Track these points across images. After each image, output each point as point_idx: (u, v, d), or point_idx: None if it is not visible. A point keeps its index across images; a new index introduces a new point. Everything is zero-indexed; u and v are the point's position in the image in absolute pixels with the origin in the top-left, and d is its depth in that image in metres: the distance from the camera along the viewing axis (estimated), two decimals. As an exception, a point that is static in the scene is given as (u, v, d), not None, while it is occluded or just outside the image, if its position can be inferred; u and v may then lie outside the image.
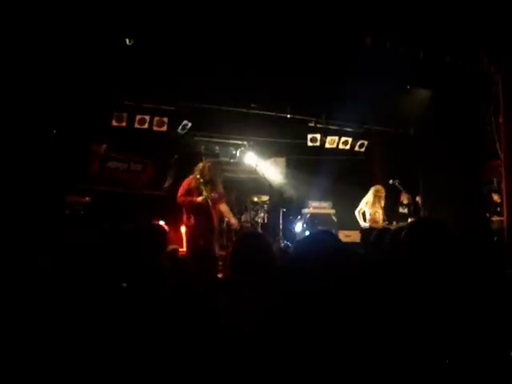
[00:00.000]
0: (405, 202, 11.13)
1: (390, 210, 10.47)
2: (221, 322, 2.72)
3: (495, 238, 8.59)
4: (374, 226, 9.55)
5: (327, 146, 11.75)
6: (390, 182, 10.68)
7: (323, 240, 2.56)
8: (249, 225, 10.79)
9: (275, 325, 2.38)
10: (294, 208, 11.99)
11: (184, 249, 8.47)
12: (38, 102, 7.74)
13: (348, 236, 10.53)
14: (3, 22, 6.36)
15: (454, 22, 7.45)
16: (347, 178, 11.73)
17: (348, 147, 11.98)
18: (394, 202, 11.04)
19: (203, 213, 7.66)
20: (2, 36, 6.44)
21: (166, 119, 9.90)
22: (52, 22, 6.68)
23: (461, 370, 2.35)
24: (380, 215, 10.00)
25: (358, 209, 10.15)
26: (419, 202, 10.76)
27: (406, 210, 11.04)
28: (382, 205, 10.06)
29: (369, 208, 9.99)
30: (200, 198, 7.62)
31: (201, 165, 7.99)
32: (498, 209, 9.87)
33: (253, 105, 10.33)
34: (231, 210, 10.37)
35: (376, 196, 9.99)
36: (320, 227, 10.59)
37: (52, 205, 7.90)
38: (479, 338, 2.49)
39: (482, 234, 3.26)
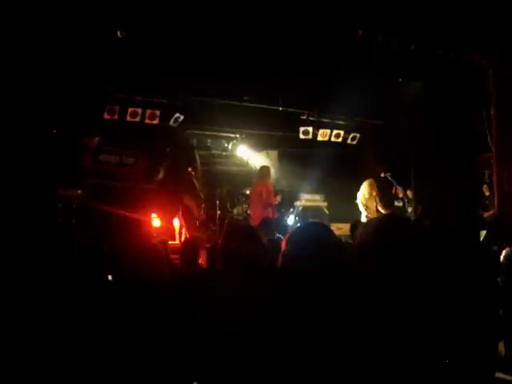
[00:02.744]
0: (400, 195, 11.18)
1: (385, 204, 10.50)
2: (210, 313, 2.73)
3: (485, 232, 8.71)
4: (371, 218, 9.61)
5: (319, 138, 11.77)
6: (382, 174, 10.70)
7: (316, 233, 2.56)
8: (241, 217, 10.80)
9: (267, 318, 2.39)
10: (286, 201, 12.01)
11: (176, 241, 8.49)
12: (29, 95, 7.71)
13: (340, 229, 10.56)
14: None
15: (447, 16, 7.46)
16: (339, 170, 11.74)
17: (340, 140, 12.00)
18: (389, 195, 11.08)
19: None
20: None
21: (158, 112, 9.87)
22: (43, 15, 6.64)
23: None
24: (374, 207, 10.04)
25: (359, 203, 10.20)
26: (409, 195, 10.80)
27: (400, 204, 11.10)
28: (377, 198, 10.08)
29: (366, 202, 10.04)
30: None
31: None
32: (488, 202, 9.93)
33: (245, 98, 10.32)
34: (224, 203, 10.43)
35: (370, 190, 10.04)
36: (312, 220, 10.61)
37: (43, 198, 7.88)
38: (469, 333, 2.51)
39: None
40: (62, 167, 8.50)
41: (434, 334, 2.38)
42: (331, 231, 2.73)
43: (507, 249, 4.84)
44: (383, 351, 2.29)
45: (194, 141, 11.57)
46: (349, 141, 12.14)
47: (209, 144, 12.07)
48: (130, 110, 9.61)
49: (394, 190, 11.16)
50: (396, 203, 11.14)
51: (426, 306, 2.44)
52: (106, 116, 9.37)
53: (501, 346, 3.57)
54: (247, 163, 11.63)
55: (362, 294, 2.34)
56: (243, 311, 2.53)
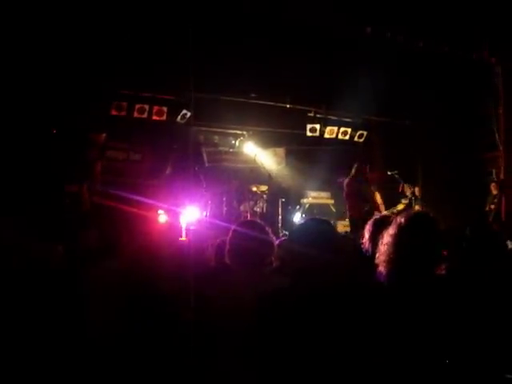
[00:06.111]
0: (407, 193, 11.12)
1: (391, 201, 10.44)
2: (216, 308, 2.73)
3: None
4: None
5: (326, 136, 11.75)
6: (389, 173, 10.66)
7: (317, 229, 2.56)
8: (248, 214, 10.79)
9: (270, 312, 2.39)
10: (292, 198, 12.01)
11: (184, 238, 8.47)
12: (36, 92, 7.74)
13: (347, 226, 10.54)
14: None
15: (455, 13, 7.43)
16: (346, 168, 11.71)
17: (347, 137, 11.97)
18: (395, 193, 11.01)
19: None
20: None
21: (165, 108, 9.88)
22: (49, 11, 6.66)
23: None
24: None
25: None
26: (417, 193, 10.74)
27: (407, 201, 11.05)
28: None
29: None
30: None
31: None
32: (496, 200, 9.86)
33: (252, 95, 10.30)
34: (231, 199, 10.42)
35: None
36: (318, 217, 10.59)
37: (50, 193, 7.91)
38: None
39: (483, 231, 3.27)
40: (68, 163, 8.52)
41: (442, 334, 2.37)
42: (332, 227, 2.74)
43: None
44: (386, 351, 2.29)
45: (202, 137, 11.58)
46: (356, 138, 12.11)
47: (216, 141, 12.06)
48: (138, 106, 9.61)
49: (401, 188, 11.10)
50: (403, 201, 11.08)
51: (435, 306, 2.42)
52: (114, 112, 9.38)
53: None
54: (254, 160, 11.62)
55: (362, 290, 2.34)
56: (248, 306, 2.53)
